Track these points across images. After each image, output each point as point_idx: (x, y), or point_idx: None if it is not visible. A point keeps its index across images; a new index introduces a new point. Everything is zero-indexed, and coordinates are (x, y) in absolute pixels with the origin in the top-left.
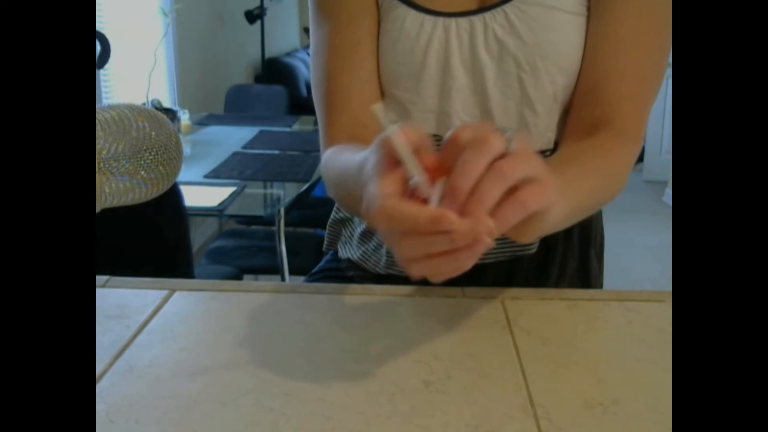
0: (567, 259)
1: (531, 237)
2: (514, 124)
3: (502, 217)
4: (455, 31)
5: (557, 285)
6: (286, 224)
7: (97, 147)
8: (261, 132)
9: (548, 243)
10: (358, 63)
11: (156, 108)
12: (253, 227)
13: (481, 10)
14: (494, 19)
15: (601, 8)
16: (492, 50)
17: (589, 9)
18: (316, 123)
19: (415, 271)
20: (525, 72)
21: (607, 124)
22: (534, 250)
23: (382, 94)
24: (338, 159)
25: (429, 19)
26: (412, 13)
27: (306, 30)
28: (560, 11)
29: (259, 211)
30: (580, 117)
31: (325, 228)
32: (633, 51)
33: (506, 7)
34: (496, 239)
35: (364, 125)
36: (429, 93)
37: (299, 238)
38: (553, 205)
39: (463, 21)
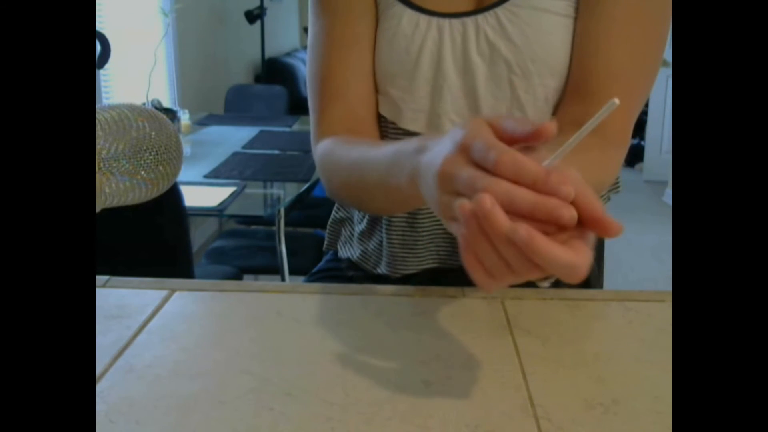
0: None
1: None
2: None
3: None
4: (448, 32)
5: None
6: (286, 224)
7: (97, 147)
8: (261, 132)
9: None
10: (356, 57)
11: (156, 108)
12: (253, 227)
13: (474, 12)
14: (486, 21)
15: (589, 7)
16: (483, 52)
17: (577, 11)
18: None
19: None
20: (516, 75)
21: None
22: None
23: (377, 90)
24: (354, 147)
25: (424, 19)
26: (408, 12)
27: (306, 30)
28: (551, 14)
29: (259, 211)
30: (567, 113)
31: (325, 228)
32: (622, 53)
33: (498, 9)
34: None
35: (360, 118)
36: (421, 92)
37: (299, 238)
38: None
39: (456, 22)
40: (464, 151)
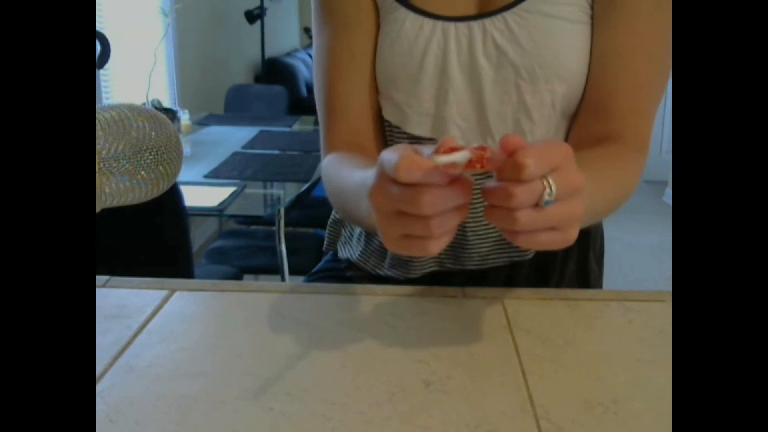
0: (566, 262)
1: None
2: (509, 131)
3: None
4: (454, 36)
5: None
6: (286, 224)
7: (97, 147)
8: (261, 132)
9: None
10: (357, 72)
11: (156, 108)
12: (253, 227)
13: (481, 15)
14: (494, 25)
15: (606, 20)
16: (490, 56)
17: (592, 18)
18: (316, 123)
19: (393, 248)
20: (523, 79)
21: (619, 137)
22: (531, 256)
23: (380, 94)
24: (338, 173)
25: (428, 22)
26: (412, 16)
27: (306, 30)
28: (561, 20)
29: (259, 211)
30: (589, 130)
31: (325, 228)
32: (645, 66)
33: (506, 14)
34: (493, 245)
35: (361, 132)
36: (426, 96)
37: (299, 238)
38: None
39: (462, 26)
40: (382, 175)
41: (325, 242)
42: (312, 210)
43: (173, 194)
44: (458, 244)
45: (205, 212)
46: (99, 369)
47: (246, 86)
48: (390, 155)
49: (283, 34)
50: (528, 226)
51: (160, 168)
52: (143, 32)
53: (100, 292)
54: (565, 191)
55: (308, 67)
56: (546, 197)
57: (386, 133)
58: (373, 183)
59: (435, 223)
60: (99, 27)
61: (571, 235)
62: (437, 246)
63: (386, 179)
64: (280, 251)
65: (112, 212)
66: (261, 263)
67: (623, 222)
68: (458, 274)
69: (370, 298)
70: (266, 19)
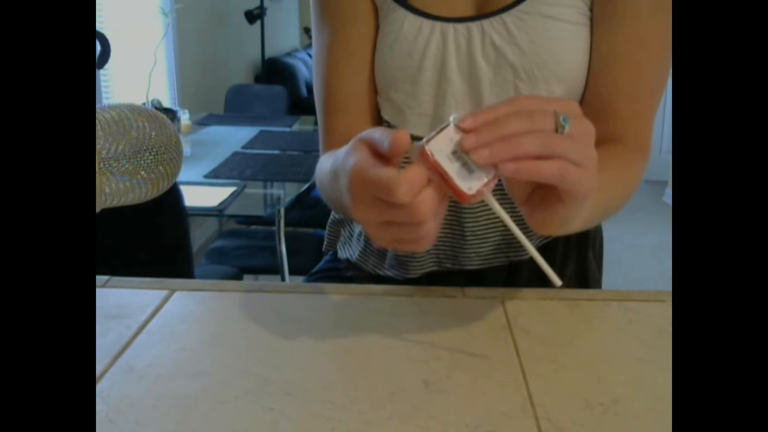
0: (566, 263)
1: (554, 230)
2: None
3: (528, 167)
4: (453, 36)
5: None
6: (286, 224)
7: (97, 147)
8: (261, 132)
9: (547, 247)
10: (355, 71)
11: (156, 108)
12: (253, 227)
13: (480, 17)
14: (492, 26)
15: (607, 23)
16: (489, 57)
17: (591, 20)
18: (316, 123)
19: (385, 246)
20: (522, 80)
21: (620, 139)
22: (530, 256)
23: (378, 95)
24: (323, 167)
25: (427, 23)
26: (411, 17)
27: (306, 30)
28: (560, 21)
29: (259, 211)
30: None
31: (325, 228)
32: (645, 68)
33: (505, 15)
34: (492, 246)
35: (360, 131)
36: (425, 97)
37: (299, 238)
38: (584, 200)
39: (461, 27)
40: (365, 193)
41: (325, 242)
42: (312, 210)
43: (173, 194)
44: (457, 245)
45: (205, 212)
46: (99, 369)
47: (246, 86)
48: (376, 174)
49: (283, 34)
50: (554, 144)
51: (160, 168)
52: (143, 32)
53: (100, 292)
54: (575, 118)
55: (308, 67)
56: (562, 122)
57: None
58: (352, 201)
59: (429, 226)
60: (99, 27)
61: (592, 177)
62: (429, 243)
63: (370, 197)
64: (280, 251)
65: (112, 212)
66: (261, 263)
67: (623, 222)
68: (458, 274)
69: (370, 298)
70: (266, 19)
